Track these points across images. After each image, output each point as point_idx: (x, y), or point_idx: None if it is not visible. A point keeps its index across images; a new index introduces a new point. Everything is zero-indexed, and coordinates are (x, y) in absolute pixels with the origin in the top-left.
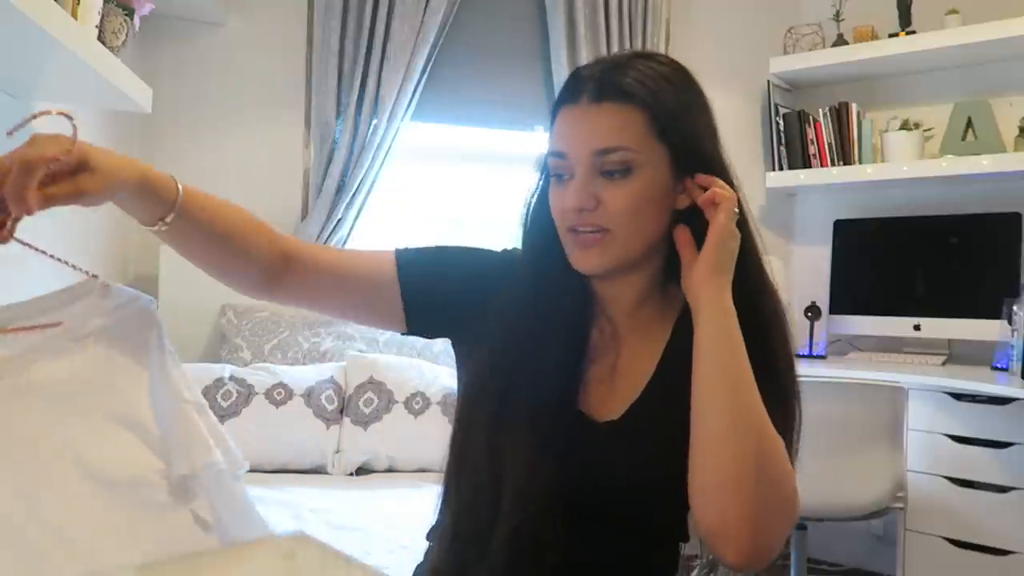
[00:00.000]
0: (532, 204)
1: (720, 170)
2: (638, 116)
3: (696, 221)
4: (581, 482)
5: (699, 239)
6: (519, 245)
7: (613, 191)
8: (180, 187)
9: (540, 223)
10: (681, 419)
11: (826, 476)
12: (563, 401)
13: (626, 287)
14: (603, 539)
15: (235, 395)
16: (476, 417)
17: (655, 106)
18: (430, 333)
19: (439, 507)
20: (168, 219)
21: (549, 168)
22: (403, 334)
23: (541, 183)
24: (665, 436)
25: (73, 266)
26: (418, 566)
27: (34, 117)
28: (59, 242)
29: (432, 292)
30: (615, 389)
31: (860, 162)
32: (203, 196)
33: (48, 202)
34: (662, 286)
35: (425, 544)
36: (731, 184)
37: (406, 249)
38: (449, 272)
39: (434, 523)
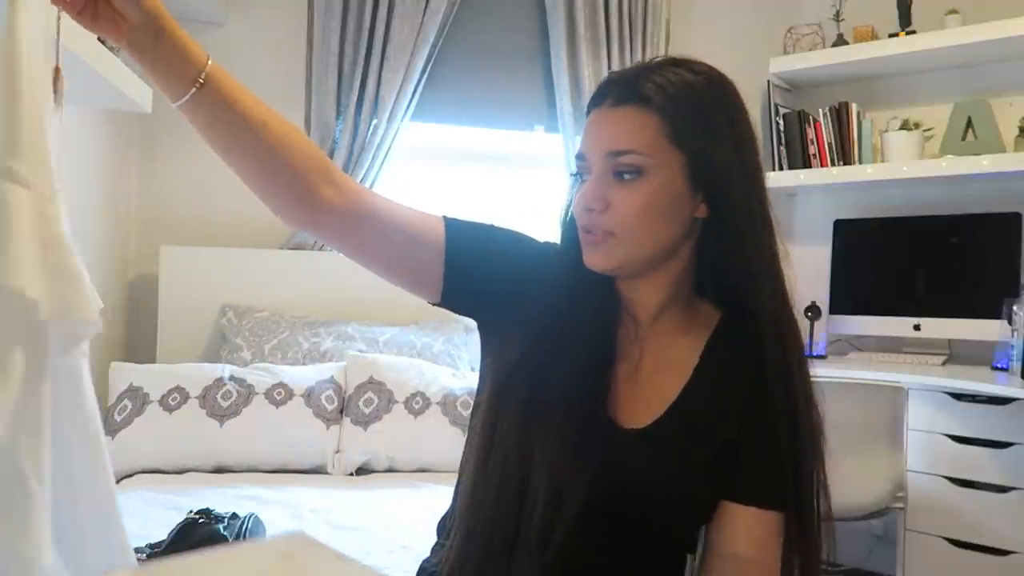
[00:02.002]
0: (570, 205)
1: (737, 184)
2: (653, 121)
3: (717, 229)
4: (604, 487)
5: (717, 247)
6: (556, 240)
7: (622, 194)
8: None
9: (573, 224)
10: (704, 440)
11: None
12: (592, 401)
13: (647, 290)
14: (617, 545)
15: (235, 395)
16: (505, 413)
17: (671, 112)
18: (461, 309)
19: (452, 500)
20: (201, 79)
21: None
22: (432, 303)
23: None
24: (688, 453)
25: None
26: (425, 561)
27: None
28: None
29: (475, 269)
30: (639, 394)
31: (860, 162)
32: (230, 75)
33: None
34: (686, 294)
35: (428, 542)
36: (747, 202)
37: (455, 220)
38: (495, 253)
39: (445, 516)
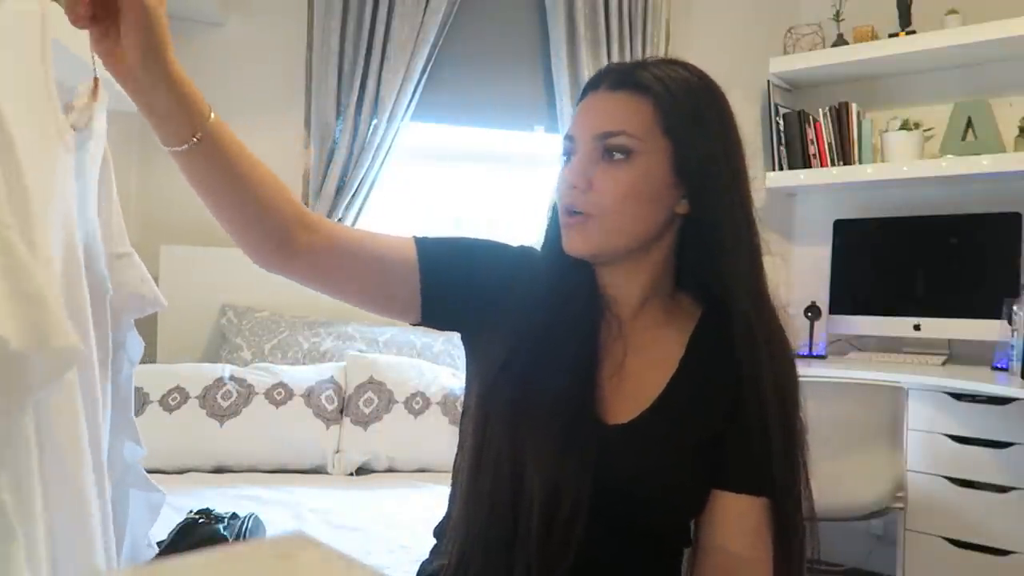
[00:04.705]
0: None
1: (720, 183)
2: (647, 106)
3: (698, 228)
4: (594, 483)
5: (697, 245)
6: (533, 244)
7: (606, 175)
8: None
9: (557, 217)
10: (690, 433)
11: (826, 476)
12: (578, 399)
13: (627, 282)
14: (609, 541)
15: (235, 395)
16: (493, 415)
17: (666, 101)
18: (443, 325)
19: (448, 506)
20: (198, 136)
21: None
22: (414, 324)
23: None
24: (675, 444)
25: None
26: (424, 563)
27: None
28: None
29: (451, 285)
30: (623, 390)
31: (860, 162)
32: (230, 131)
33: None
34: (667, 289)
35: (428, 542)
36: (730, 203)
37: (425, 238)
38: (469, 265)
39: (442, 521)
